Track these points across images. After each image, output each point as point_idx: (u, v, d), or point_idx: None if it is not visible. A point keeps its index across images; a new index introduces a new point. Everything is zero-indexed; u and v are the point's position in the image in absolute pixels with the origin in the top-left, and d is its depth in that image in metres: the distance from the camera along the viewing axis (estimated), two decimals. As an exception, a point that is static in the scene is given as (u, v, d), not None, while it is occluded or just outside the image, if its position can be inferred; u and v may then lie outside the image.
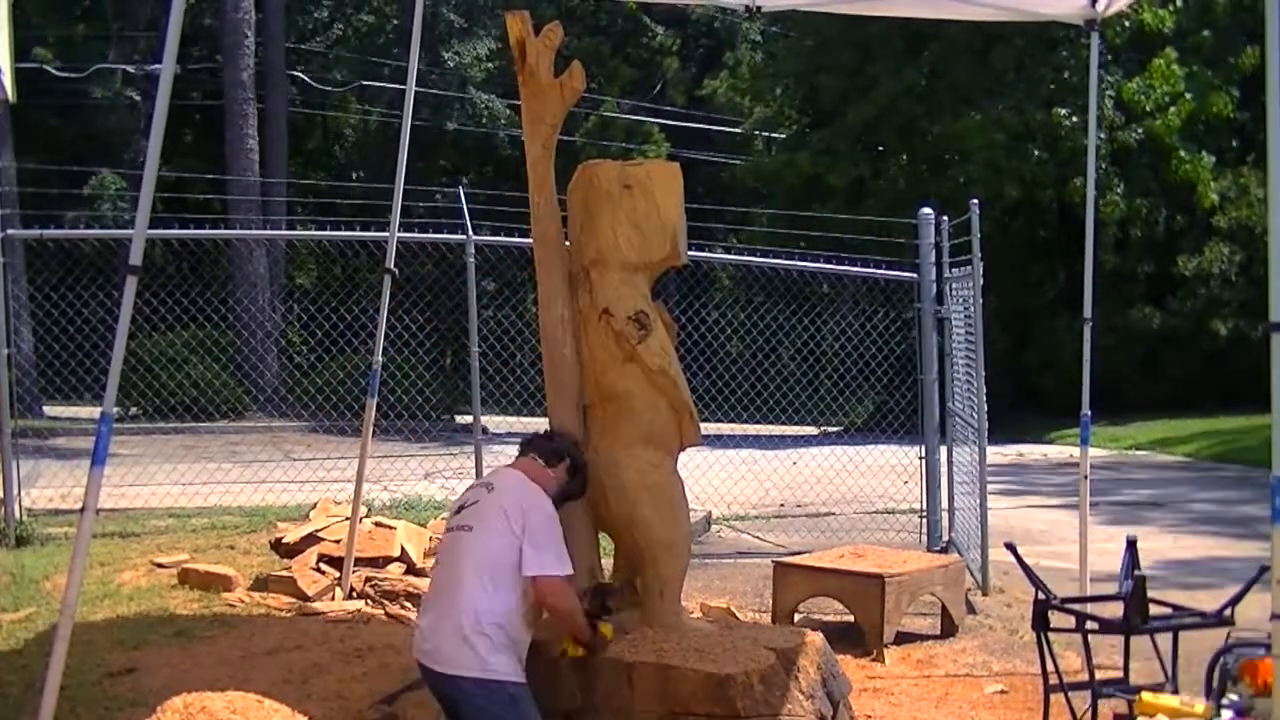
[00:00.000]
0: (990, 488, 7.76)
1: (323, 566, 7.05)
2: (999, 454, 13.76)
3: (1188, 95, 21.18)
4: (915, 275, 8.97)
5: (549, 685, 4.36)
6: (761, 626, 5.77)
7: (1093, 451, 7.07)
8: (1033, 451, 16.96)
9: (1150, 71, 21.33)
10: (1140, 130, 21.21)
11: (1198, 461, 15.87)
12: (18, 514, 8.45)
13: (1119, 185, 21.27)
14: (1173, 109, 21.11)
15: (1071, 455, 14.38)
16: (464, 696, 3.82)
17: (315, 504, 8.50)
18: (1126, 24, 20.98)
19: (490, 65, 28.00)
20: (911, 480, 9.63)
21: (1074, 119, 20.53)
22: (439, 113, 27.46)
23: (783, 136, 26.84)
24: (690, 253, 5.18)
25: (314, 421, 18.06)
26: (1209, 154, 21.51)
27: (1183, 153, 21.23)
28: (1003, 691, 5.44)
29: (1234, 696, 3.61)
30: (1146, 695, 3.83)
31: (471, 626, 3.80)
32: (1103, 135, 20.24)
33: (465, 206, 9.42)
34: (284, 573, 6.93)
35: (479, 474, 9.60)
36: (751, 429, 16.89)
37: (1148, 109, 21.25)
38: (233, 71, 22.10)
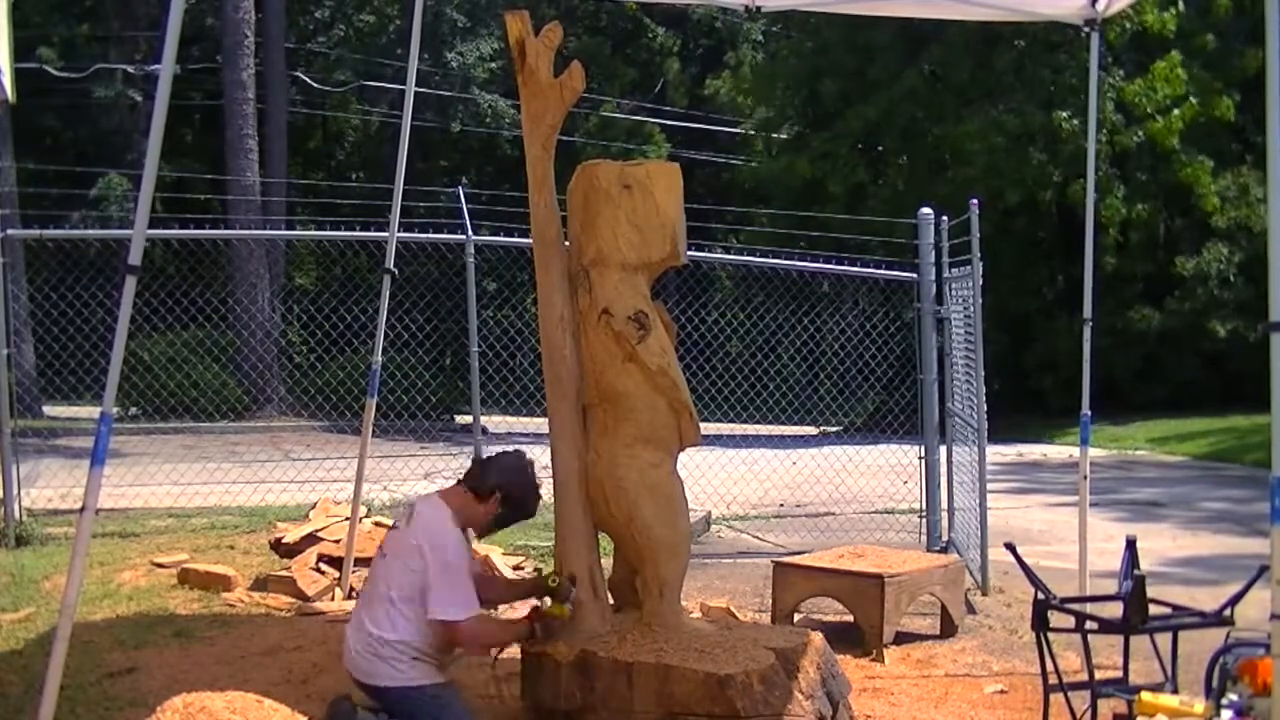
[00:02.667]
0: (990, 488, 7.75)
1: (322, 566, 7.05)
2: (998, 454, 13.76)
3: (1192, 99, 21.18)
4: (915, 275, 8.97)
5: (549, 685, 4.37)
6: (761, 626, 5.77)
7: (1092, 452, 7.07)
8: (1032, 451, 16.96)
9: (1153, 74, 21.33)
10: (1141, 132, 21.21)
11: (1198, 461, 15.87)
12: (17, 514, 8.45)
13: (1119, 187, 21.27)
14: (1175, 112, 21.11)
15: (1071, 455, 14.39)
16: (389, 703, 4.05)
17: (315, 504, 8.49)
18: (1128, 25, 20.97)
19: (493, 65, 27.99)
20: (911, 480, 9.63)
21: (1074, 121, 20.53)
22: (442, 113, 27.46)
23: (783, 138, 26.84)
24: (690, 253, 5.19)
25: (314, 421, 18.07)
26: (1208, 157, 21.52)
27: (1183, 156, 21.23)
28: (1002, 691, 5.44)
29: (1233, 696, 3.61)
30: (1146, 695, 3.83)
31: (382, 647, 4.01)
32: (1103, 137, 20.25)
33: (465, 206, 9.42)
34: (284, 573, 6.93)
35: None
36: (751, 429, 16.89)
37: (1149, 111, 21.25)
38: (233, 71, 22.09)
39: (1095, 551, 6.60)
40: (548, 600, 4.43)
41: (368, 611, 4.09)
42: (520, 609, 4.92)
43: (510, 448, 4.53)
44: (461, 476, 4.30)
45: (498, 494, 4.20)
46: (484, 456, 4.37)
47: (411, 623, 4.02)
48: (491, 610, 5.17)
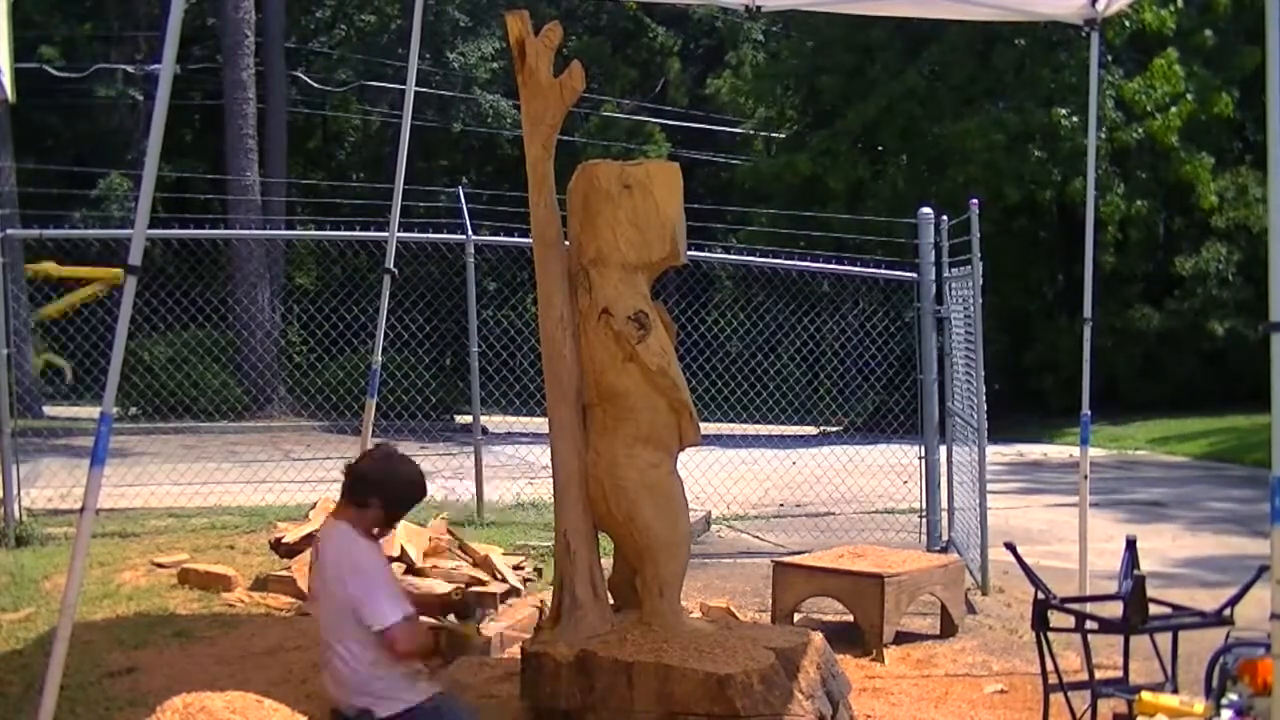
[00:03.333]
0: (990, 487, 7.75)
1: (322, 566, 7.05)
2: (998, 454, 13.75)
3: (1189, 96, 21.18)
4: (915, 275, 8.97)
5: (549, 685, 4.37)
6: (761, 626, 5.77)
7: (1092, 451, 7.07)
8: (1032, 451, 16.95)
9: (1151, 71, 21.33)
10: (1140, 130, 21.22)
11: (1198, 461, 15.88)
12: (17, 514, 8.45)
13: (1119, 185, 21.28)
14: (1174, 109, 21.11)
15: (1071, 455, 14.38)
16: None
17: (315, 504, 8.48)
18: (1127, 24, 20.97)
19: (495, 66, 27.99)
20: (911, 480, 9.63)
21: (1074, 119, 20.53)
22: (443, 113, 27.46)
23: (783, 137, 26.85)
24: (690, 253, 5.19)
25: (314, 421, 18.07)
26: (1208, 154, 21.52)
27: (1182, 153, 21.23)
28: (1002, 691, 5.44)
29: (1233, 696, 3.61)
30: (1146, 695, 3.83)
31: (358, 687, 3.91)
32: (1103, 135, 20.24)
33: (465, 206, 9.43)
34: (284, 572, 6.93)
35: (478, 474, 9.63)
36: (751, 429, 16.88)
37: (1148, 109, 21.25)
38: (233, 71, 22.09)
39: (1095, 551, 6.61)
40: (452, 617, 4.27)
41: (332, 660, 4.00)
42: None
43: (375, 444, 4.43)
44: (340, 497, 4.16)
45: (374, 496, 4.03)
46: (352, 464, 4.16)
47: (365, 647, 3.91)
48: None
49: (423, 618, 4.16)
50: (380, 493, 4.02)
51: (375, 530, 4.07)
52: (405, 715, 3.93)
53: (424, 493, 4.21)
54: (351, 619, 3.90)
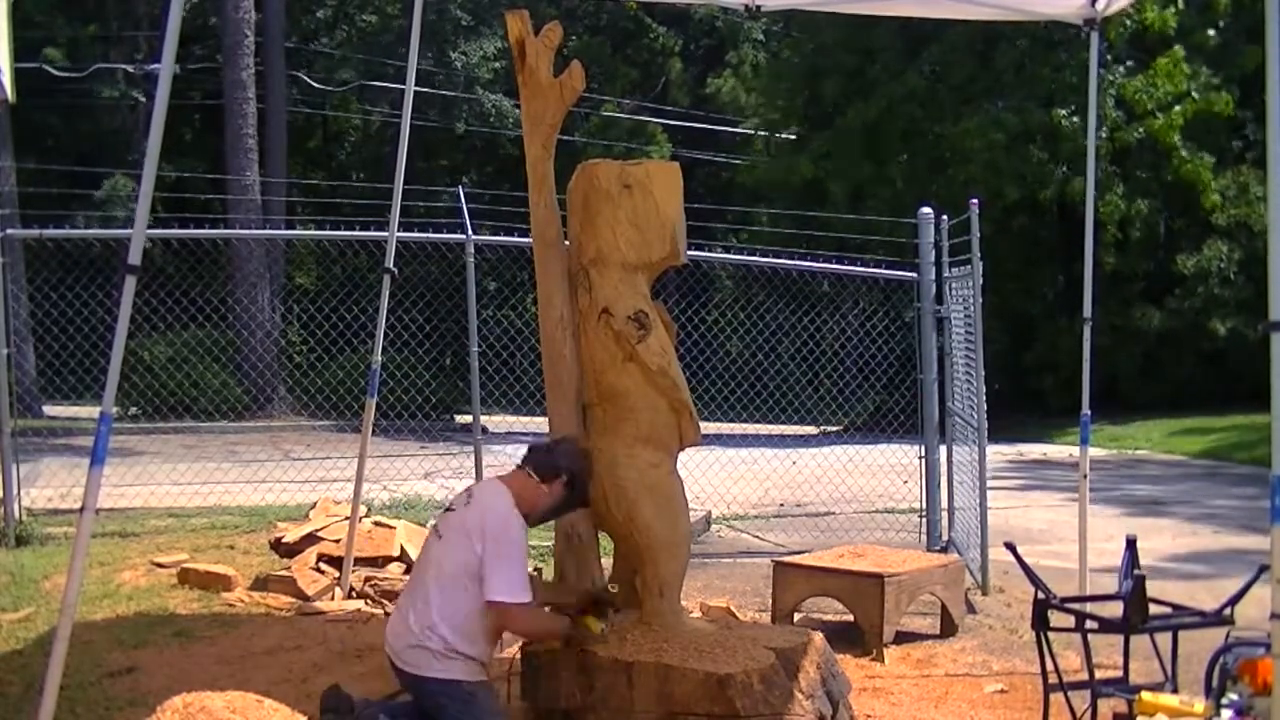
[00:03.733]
0: (990, 487, 7.75)
1: (322, 566, 7.05)
2: (998, 453, 13.75)
3: (1194, 95, 21.17)
4: (915, 275, 8.97)
5: (549, 685, 4.37)
6: (761, 626, 5.77)
7: (1093, 451, 7.07)
8: (1032, 451, 16.96)
9: (1155, 70, 21.31)
10: (1141, 130, 21.21)
11: (1198, 460, 15.88)
12: (17, 514, 8.45)
13: (1119, 185, 21.27)
14: (1177, 109, 21.10)
15: (1071, 455, 14.39)
16: (425, 693, 4.04)
17: (315, 504, 8.50)
18: (1128, 23, 20.97)
19: (497, 65, 27.99)
20: (911, 480, 9.63)
21: (1074, 119, 20.52)
22: (445, 113, 27.46)
23: (784, 137, 26.84)
24: (690, 252, 5.19)
25: (314, 421, 18.07)
26: (1209, 154, 21.52)
27: (1184, 152, 21.23)
28: (1002, 691, 5.44)
29: (1233, 696, 3.61)
30: (1146, 694, 3.83)
31: (426, 634, 3.99)
32: (1104, 135, 20.24)
33: (465, 206, 9.42)
34: (284, 572, 6.93)
35: (479, 474, 9.60)
36: (751, 429, 16.89)
37: (1149, 108, 21.24)
38: (233, 71, 22.09)
39: (1095, 551, 6.60)
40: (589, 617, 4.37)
41: (418, 596, 4.06)
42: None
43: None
44: (520, 463, 4.25)
45: (564, 477, 4.18)
46: (545, 442, 4.32)
47: (460, 605, 3.97)
48: None
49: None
50: (575, 476, 4.19)
51: (535, 512, 4.17)
52: (447, 684, 3.98)
53: (589, 505, 4.38)
54: (464, 574, 3.97)
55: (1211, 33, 21.96)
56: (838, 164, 23.23)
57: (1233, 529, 10.15)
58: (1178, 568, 8.32)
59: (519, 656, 4.52)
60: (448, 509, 4.18)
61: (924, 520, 8.99)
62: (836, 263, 11.64)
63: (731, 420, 15.84)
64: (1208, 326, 20.95)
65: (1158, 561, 8.14)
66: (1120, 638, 4.22)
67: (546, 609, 4.39)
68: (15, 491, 8.49)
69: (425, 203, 21.07)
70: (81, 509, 3.79)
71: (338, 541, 7.22)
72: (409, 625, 4.03)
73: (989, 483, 7.72)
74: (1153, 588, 4.17)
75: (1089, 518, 6.41)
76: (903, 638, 6.22)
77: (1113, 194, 20.94)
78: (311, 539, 7.48)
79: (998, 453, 12.94)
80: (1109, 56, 20.96)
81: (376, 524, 7.57)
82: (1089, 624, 4.14)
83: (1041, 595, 4.20)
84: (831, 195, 23.29)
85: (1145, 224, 22.01)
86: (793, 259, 11.17)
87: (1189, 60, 21.47)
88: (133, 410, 17.73)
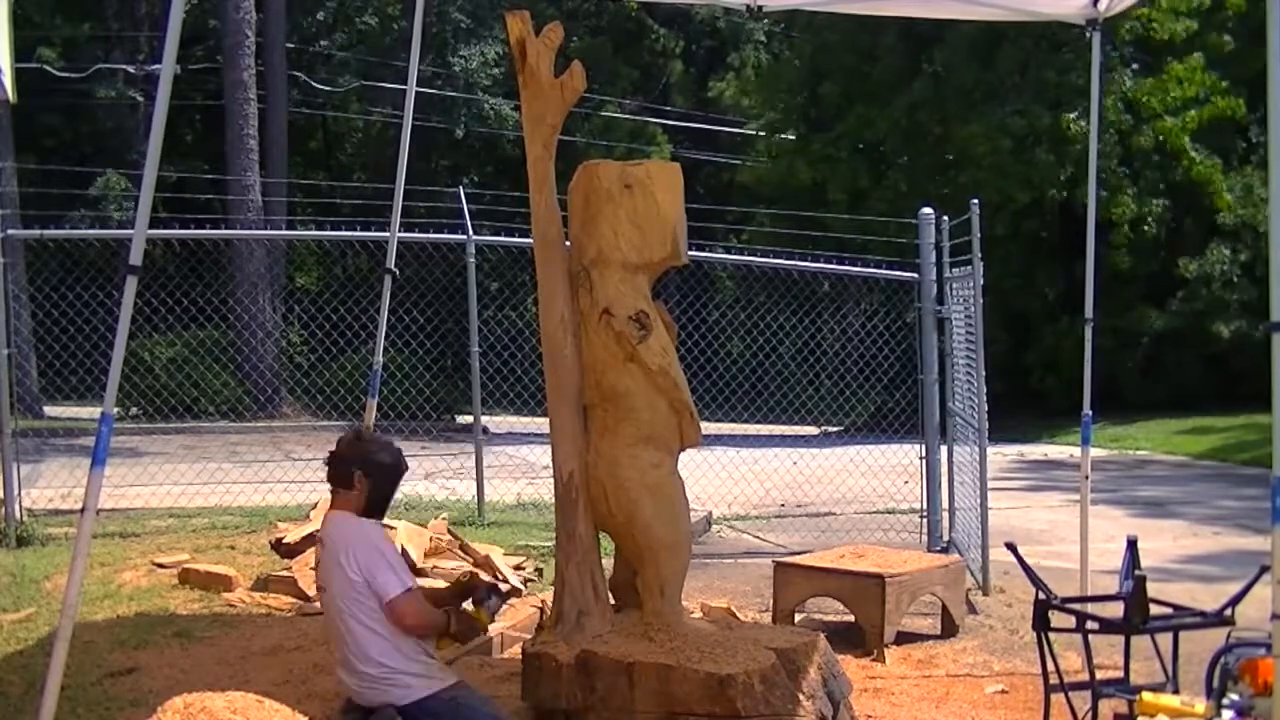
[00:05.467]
0: (991, 488, 7.75)
1: (323, 566, 7.05)
2: (999, 454, 13.76)
3: (1211, 99, 21.15)
4: (916, 275, 8.97)
5: (550, 685, 4.37)
6: (762, 626, 5.77)
7: (1094, 452, 7.07)
8: (1033, 451, 16.96)
9: (1169, 74, 21.28)
10: (1149, 132, 21.19)
11: (1199, 461, 15.87)
12: (18, 514, 8.45)
13: (1129, 187, 21.24)
14: (1191, 113, 21.08)
15: (1072, 455, 14.38)
16: (414, 716, 4.02)
17: (315, 504, 8.49)
18: (1136, 26, 20.95)
19: (496, 71, 28.00)
20: (912, 480, 9.63)
21: (1081, 122, 20.49)
22: (446, 115, 27.46)
23: (785, 138, 26.84)
24: (691, 253, 5.19)
25: (315, 421, 18.07)
26: (1216, 156, 21.51)
27: (1194, 155, 21.21)
28: (1003, 691, 5.44)
29: (1234, 696, 3.61)
30: (1147, 695, 3.83)
31: (378, 674, 4.00)
32: (1111, 137, 20.23)
33: (466, 207, 9.43)
34: (284, 573, 6.93)
35: (479, 474, 9.64)
36: (752, 429, 16.89)
37: (1157, 110, 21.22)
38: (233, 72, 22.10)
39: (1096, 551, 6.60)
40: (468, 604, 4.35)
41: (344, 647, 4.07)
42: None
43: (345, 429, 4.58)
44: (329, 486, 4.26)
45: (356, 472, 4.15)
46: (328, 456, 4.26)
47: (381, 629, 4.00)
48: None
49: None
50: (361, 466, 4.13)
51: (370, 509, 4.15)
52: (425, 702, 4.00)
53: (402, 461, 4.31)
54: (363, 596, 3.98)
55: (1227, 38, 21.91)
56: (838, 166, 23.20)
57: (1234, 530, 10.15)
58: (1179, 568, 8.32)
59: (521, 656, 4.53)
60: (317, 564, 4.22)
61: (925, 521, 8.99)
62: (837, 263, 11.64)
63: (732, 421, 15.84)
64: (1211, 329, 20.93)
65: (1159, 562, 8.13)
66: (1121, 638, 4.21)
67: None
68: (16, 492, 8.49)
69: (426, 203, 21.09)
70: (82, 509, 3.79)
71: (338, 542, 7.21)
72: (360, 678, 4.04)
73: (990, 483, 7.72)
74: (1153, 588, 4.17)
75: (1090, 518, 6.42)
76: (903, 638, 6.22)
77: (1123, 195, 20.91)
78: (312, 539, 7.44)
79: (999, 453, 12.94)
80: (1117, 59, 20.94)
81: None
82: (1090, 624, 4.14)
83: (1042, 596, 4.20)
84: (832, 198, 23.26)
85: (1153, 225, 22.00)
86: (793, 259, 11.17)
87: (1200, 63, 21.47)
88: (134, 411, 17.74)
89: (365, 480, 4.14)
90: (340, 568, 4.01)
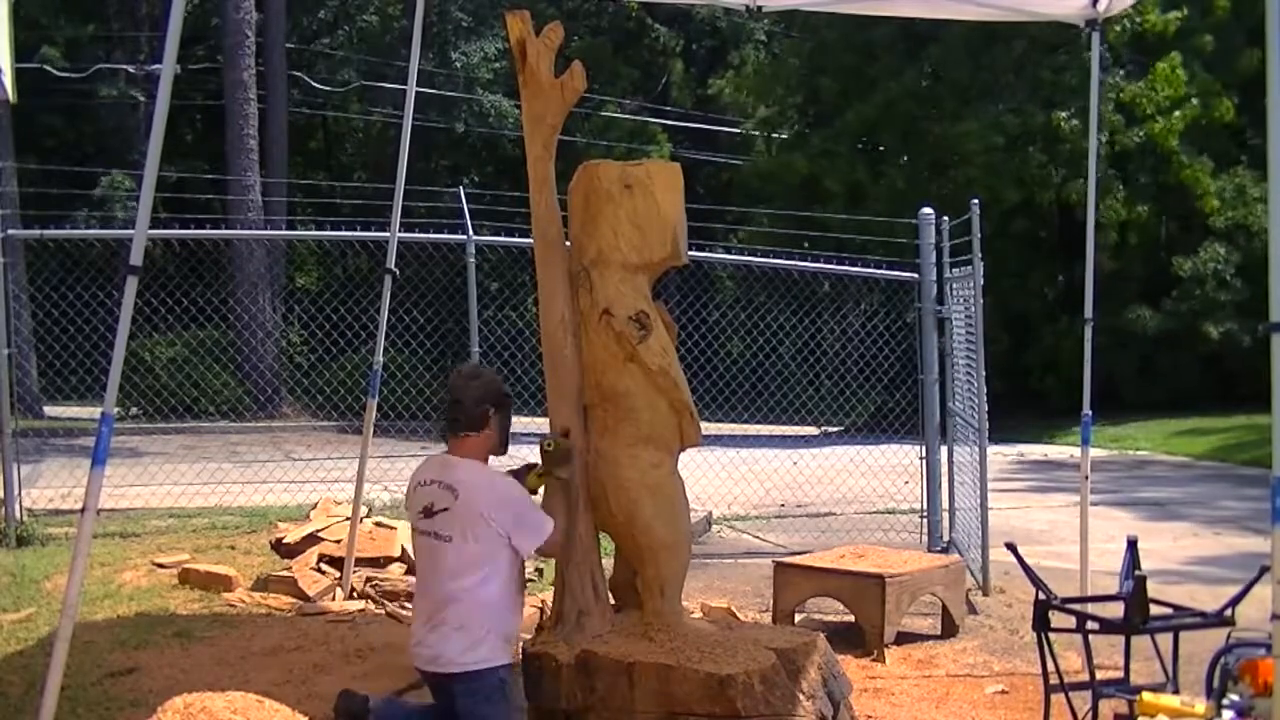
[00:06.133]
0: (991, 488, 7.76)
1: (323, 567, 7.06)
2: (999, 454, 13.75)
3: (1194, 100, 21.18)
4: (916, 275, 8.97)
5: (550, 685, 4.37)
6: (762, 626, 5.77)
7: (1094, 452, 7.07)
8: (1033, 451, 16.96)
9: (1154, 75, 21.32)
10: (1141, 134, 21.21)
11: (1198, 461, 15.88)
12: (18, 514, 8.45)
13: (1119, 188, 21.27)
14: (1177, 113, 21.11)
15: (1072, 455, 14.38)
16: (459, 690, 4.07)
17: (316, 504, 8.50)
18: (1128, 25, 20.97)
19: (497, 66, 27.99)
20: (912, 480, 9.63)
21: (1074, 121, 20.52)
22: (446, 113, 27.46)
23: (783, 137, 26.86)
24: (691, 253, 5.18)
25: (315, 422, 18.06)
26: (1208, 158, 21.52)
27: (1183, 157, 21.23)
28: (1003, 691, 5.44)
29: (1234, 696, 3.61)
30: (1147, 695, 3.83)
31: (471, 630, 4.05)
32: (1103, 138, 20.24)
33: (466, 206, 9.42)
34: (285, 573, 6.93)
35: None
36: (753, 429, 16.89)
37: (1149, 112, 21.24)
38: (234, 72, 22.10)
39: (1096, 552, 6.60)
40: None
41: (437, 602, 4.08)
42: None
43: (462, 368, 4.59)
44: (449, 432, 4.23)
45: (488, 410, 4.19)
46: (449, 403, 4.23)
47: (492, 588, 4.05)
48: None
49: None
50: (494, 401, 4.20)
51: (502, 446, 4.28)
52: (482, 672, 4.07)
53: (511, 401, 4.39)
54: (493, 561, 4.05)
55: (1209, 37, 21.93)
56: (836, 164, 23.22)
57: (1235, 530, 10.15)
58: (1179, 569, 8.32)
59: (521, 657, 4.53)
60: (431, 510, 4.12)
61: (925, 521, 9.00)
62: (837, 263, 11.64)
63: (733, 421, 15.83)
64: (1205, 329, 20.95)
65: (1159, 563, 8.13)
66: (1121, 638, 4.22)
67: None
68: (16, 492, 8.50)
69: (426, 203, 21.10)
70: (82, 509, 3.79)
71: (339, 542, 7.22)
72: (442, 628, 4.05)
73: (990, 483, 7.72)
74: (1154, 589, 4.17)
75: (1090, 519, 6.42)
76: (904, 638, 6.22)
77: (1112, 197, 20.93)
78: (312, 539, 7.48)
79: (998, 453, 12.93)
80: (1109, 60, 20.95)
81: (377, 524, 7.58)
82: (1090, 625, 4.14)
83: (1042, 596, 4.21)
84: (830, 194, 23.27)
85: (1144, 227, 22.01)
86: (793, 259, 11.17)
87: (1189, 64, 21.46)
88: (134, 411, 17.74)
89: (497, 415, 4.21)
90: (483, 523, 4.03)
